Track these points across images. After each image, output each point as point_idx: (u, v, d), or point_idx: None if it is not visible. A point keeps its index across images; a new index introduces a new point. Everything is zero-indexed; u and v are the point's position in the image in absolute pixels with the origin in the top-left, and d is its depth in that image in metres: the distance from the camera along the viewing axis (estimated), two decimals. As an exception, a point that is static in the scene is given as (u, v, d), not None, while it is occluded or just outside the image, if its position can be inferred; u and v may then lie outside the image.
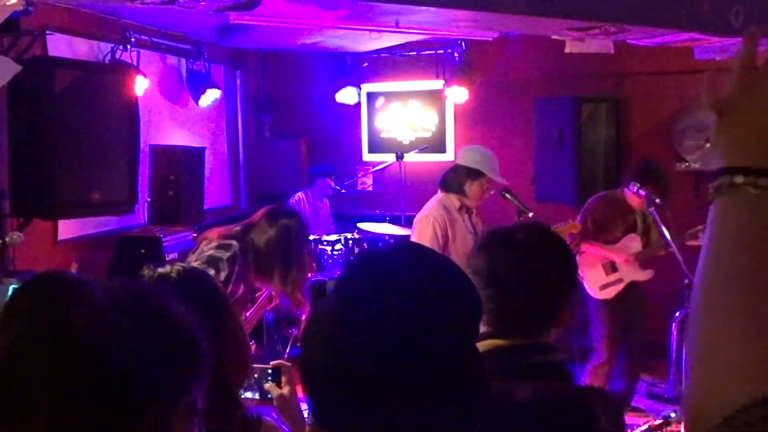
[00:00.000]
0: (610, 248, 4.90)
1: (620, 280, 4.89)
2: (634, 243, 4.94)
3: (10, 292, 3.95)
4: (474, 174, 4.16)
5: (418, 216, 4.31)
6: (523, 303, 1.56)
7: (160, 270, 1.75)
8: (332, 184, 6.91)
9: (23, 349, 0.91)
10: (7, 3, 3.37)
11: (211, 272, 3.36)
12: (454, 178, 4.24)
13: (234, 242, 3.47)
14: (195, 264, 3.48)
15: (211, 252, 3.46)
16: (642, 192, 4.61)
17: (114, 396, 0.90)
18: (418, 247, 1.00)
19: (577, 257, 4.58)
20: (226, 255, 3.45)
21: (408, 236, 5.91)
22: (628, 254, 4.88)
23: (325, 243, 6.35)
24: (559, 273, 1.61)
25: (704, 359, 0.75)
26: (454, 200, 4.23)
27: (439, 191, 4.33)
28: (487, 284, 1.57)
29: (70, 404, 0.89)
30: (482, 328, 1.58)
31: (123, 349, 0.92)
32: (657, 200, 4.56)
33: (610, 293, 4.88)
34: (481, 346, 1.54)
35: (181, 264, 1.79)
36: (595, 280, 4.89)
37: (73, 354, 0.90)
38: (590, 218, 4.88)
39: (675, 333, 5.07)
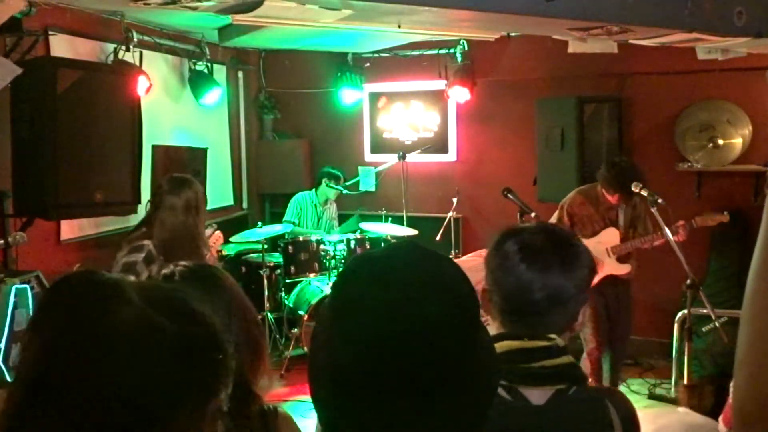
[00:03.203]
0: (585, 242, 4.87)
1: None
2: (609, 236, 4.92)
3: (13, 292, 3.90)
4: None
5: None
6: (539, 304, 1.53)
7: (164, 271, 1.71)
8: (339, 188, 6.92)
9: (62, 348, 0.86)
10: (10, 4, 3.38)
11: (132, 278, 3.37)
12: None
13: (146, 242, 3.48)
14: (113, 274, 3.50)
15: (124, 259, 3.45)
16: (644, 192, 4.60)
17: (152, 398, 0.86)
18: (415, 246, 0.99)
19: None
20: (140, 257, 3.44)
21: (410, 236, 5.91)
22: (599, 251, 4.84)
23: (327, 243, 6.36)
24: (575, 274, 1.57)
25: (759, 353, 0.71)
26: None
27: None
28: (503, 285, 1.55)
29: (109, 406, 0.84)
30: (498, 329, 1.56)
31: (164, 351, 0.88)
32: (659, 200, 4.55)
33: None
34: (497, 347, 1.50)
35: (185, 263, 1.76)
36: None
37: (117, 354, 0.86)
38: (566, 214, 4.89)
39: (676, 333, 5.06)
